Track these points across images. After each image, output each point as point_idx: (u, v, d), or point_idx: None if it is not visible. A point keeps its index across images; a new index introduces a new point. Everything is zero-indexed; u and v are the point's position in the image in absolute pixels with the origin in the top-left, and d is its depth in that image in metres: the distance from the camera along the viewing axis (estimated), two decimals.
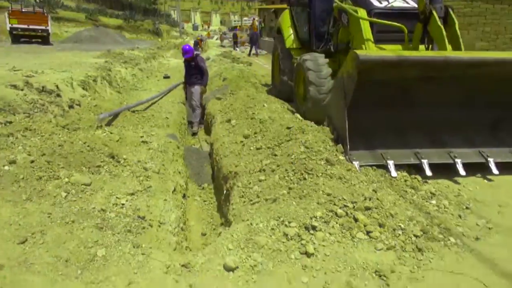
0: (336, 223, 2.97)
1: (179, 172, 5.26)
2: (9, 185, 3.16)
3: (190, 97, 8.23)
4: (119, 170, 4.14)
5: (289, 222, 2.99)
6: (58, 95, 5.87)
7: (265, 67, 17.57)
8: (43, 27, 22.85)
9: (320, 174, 3.54)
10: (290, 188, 3.46)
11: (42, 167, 3.51)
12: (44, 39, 23.16)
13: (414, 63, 3.78)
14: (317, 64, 5.70)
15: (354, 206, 3.11)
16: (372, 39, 5.05)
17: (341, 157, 3.84)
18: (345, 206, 3.12)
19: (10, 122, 4.12)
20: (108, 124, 5.90)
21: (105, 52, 14.74)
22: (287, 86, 7.77)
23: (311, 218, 3.00)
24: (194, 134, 8.02)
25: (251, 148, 4.85)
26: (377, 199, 3.26)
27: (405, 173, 3.94)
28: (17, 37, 22.58)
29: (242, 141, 5.22)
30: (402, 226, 2.96)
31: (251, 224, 3.10)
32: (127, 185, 3.82)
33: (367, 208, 3.11)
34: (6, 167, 3.33)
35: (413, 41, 4.92)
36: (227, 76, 10.42)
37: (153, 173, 4.34)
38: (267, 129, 5.14)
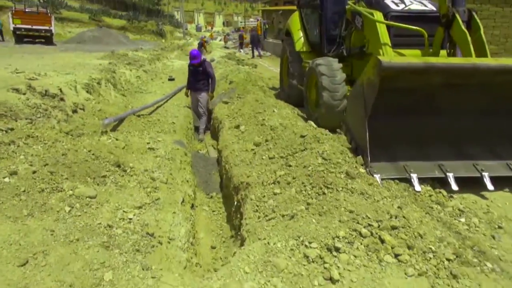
0: (361, 244, 2.75)
1: (187, 181, 5.05)
2: (10, 199, 2.95)
3: (197, 103, 7.97)
4: (125, 181, 3.93)
5: (310, 243, 2.77)
6: (62, 99, 5.67)
7: (271, 69, 17.38)
8: (47, 28, 22.73)
9: (341, 188, 3.31)
10: (308, 204, 3.24)
11: (45, 178, 3.31)
12: (47, 39, 23.05)
13: (441, 70, 3.56)
14: (331, 69, 5.48)
15: (379, 225, 2.89)
16: (389, 44, 4.82)
17: (362, 170, 3.62)
18: (370, 225, 2.89)
19: (12, 129, 3.91)
20: (113, 129, 5.69)
21: (109, 53, 14.58)
22: (297, 90, 7.56)
23: (333, 238, 2.78)
24: (200, 141, 7.79)
25: (263, 157, 4.63)
26: (403, 217, 3.03)
27: (429, 187, 3.72)
28: (20, 37, 22.46)
29: (253, 149, 5.00)
30: (433, 248, 2.73)
31: (268, 243, 2.88)
32: (134, 197, 3.61)
33: (394, 228, 2.88)
34: (7, 179, 3.12)
35: (433, 46, 4.70)
36: (234, 79, 10.20)
37: (161, 183, 4.12)
38: (279, 136, 4.93)
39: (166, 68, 16.76)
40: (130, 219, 3.21)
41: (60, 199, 3.14)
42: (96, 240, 2.78)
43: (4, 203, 2.87)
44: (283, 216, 3.23)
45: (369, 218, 2.96)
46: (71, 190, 3.30)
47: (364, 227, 2.87)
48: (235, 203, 4.45)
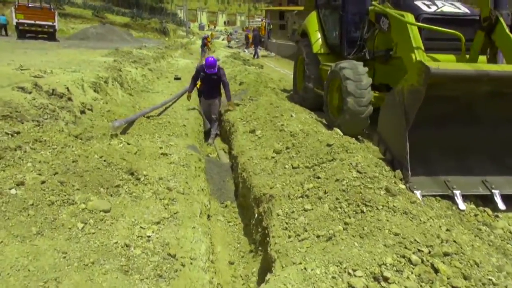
0: (412, 273, 2.44)
1: (202, 190, 4.74)
2: (17, 214, 2.63)
3: (208, 110, 7.59)
4: (140, 191, 3.62)
5: (354, 270, 2.46)
6: (69, 99, 5.35)
7: (278, 70, 17.09)
8: (50, 23, 22.37)
9: (381, 206, 3.00)
10: (346, 224, 2.93)
11: (55, 189, 2.99)
12: (50, 35, 22.68)
13: (495, 79, 3.24)
14: (356, 73, 5.16)
15: (429, 251, 2.58)
16: (422, 47, 4.51)
17: (402, 186, 3.31)
18: (419, 250, 2.59)
19: (18, 133, 3.59)
20: (123, 132, 5.38)
21: (113, 50, 14.27)
22: (313, 94, 7.26)
23: (379, 266, 2.48)
24: (209, 144, 7.43)
25: (286, 166, 4.33)
26: (454, 241, 2.72)
27: (472, 205, 3.41)
28: (23, 33, 22.12)
29: (273, 157, 4.69)
30: (493, 279, 2.43)
31: (305, 269, 2.58)
32: (151, 211, 3.30)
33: (446, 254, 2.58)
34: (13, 191, 2.80)
35: (471, 51, 4.38)
36: (244, 80, 9.89)
37: (177, 193, 3.81)
38: (301, 144, 4.62)
39: (171, 67, 16.44)
40: (149, 236, 2.90)
41: (72, 213, 2.83)
42: (114, 263, 2.47)
43: (10, 219, 2.56)
44: (318, 236, 2.92)
45: (417, 242, 2.65)
46: (84, 203, 2.99)
47: (414, 253, 2.57)
48: (256, 215, 4.14)
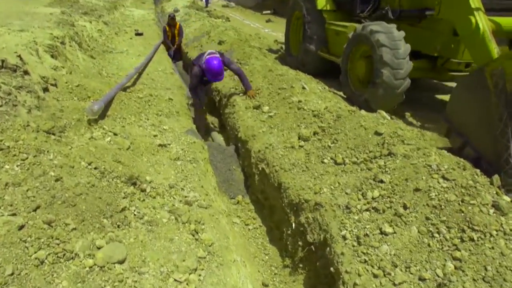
0: None
1: (215, 188, 3.83)
2: None
3: (204, 95, 5.85)
4: (151, 211, 2.67)
5: None
6: (26, 73, 4.04)
7: (247, 24, 15.73)
8: None
9: (495, 232, 2.28)
10: (457, 259, 2.19)
11: (41, 237, 1.97)
12: None
13: None
14: (392, 38, 4.26)
15: None
16: (482, 8, 3.68)
17: (506, 198, 2.59)
18: None
19: None
20: (101, 115, 4.20)
21: None
22: (315, 58, 6.31)
23: None
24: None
25: (325, 160, 3.49)
26: None
27: None
28: None
29: (301, 146, 3.82)
30: None
31: None
32: (179, 247, 2.38)
33: None
34: None
35: None
36: (224, 39, 8.65)
37: (200, 209, 2.90)
38: (336, 129, 3.76)
39: (127, 19, 14.55)
40: None
41: (76, 278, 1.85)
42: None
43: None
44: (422, 280, 2.17)
45: None
46: (89, 254, 2.01)
47: None
48: (293, 224, 3.33)
